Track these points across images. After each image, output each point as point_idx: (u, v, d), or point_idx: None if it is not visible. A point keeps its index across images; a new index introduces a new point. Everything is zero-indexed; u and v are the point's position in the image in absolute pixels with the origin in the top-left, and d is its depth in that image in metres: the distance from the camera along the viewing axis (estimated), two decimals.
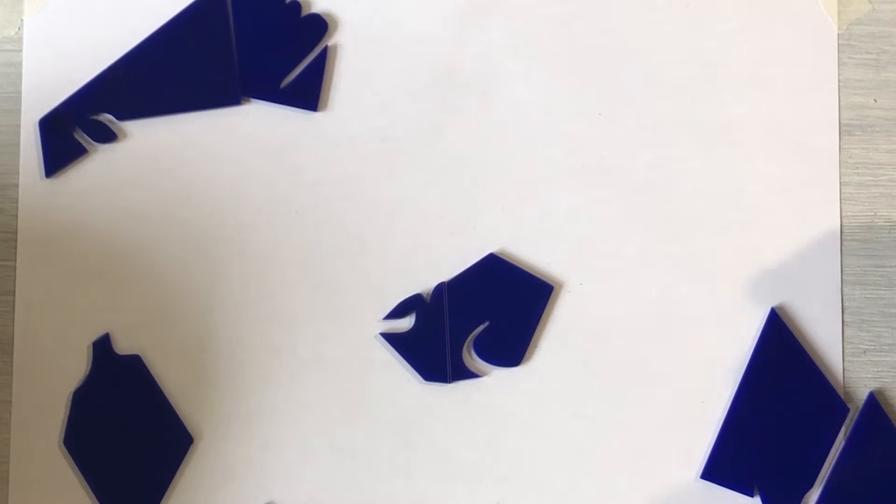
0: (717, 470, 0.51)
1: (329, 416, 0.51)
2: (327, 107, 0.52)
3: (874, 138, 0.53)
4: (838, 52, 0.53)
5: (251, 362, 0.51)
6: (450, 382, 0.51)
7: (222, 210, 0.52)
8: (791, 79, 0.53)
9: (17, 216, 0.51)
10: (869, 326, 0.53)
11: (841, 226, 0.53)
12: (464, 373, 0.51)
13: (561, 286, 0.52)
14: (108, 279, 0.51)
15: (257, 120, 0.52)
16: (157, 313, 0.51)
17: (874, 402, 0.52)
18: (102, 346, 0.51)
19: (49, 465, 0.50)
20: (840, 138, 0.53)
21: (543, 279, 0.52)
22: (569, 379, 0.52)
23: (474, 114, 0.53)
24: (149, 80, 0.52)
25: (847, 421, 0.52)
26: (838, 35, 0.54)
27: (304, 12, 0.53)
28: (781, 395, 0.51)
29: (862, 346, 0.52)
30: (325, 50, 0.52)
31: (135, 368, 0.51)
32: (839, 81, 0.53)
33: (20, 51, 0.52)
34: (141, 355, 0.51)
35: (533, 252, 0.52)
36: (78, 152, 0.51)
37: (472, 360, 0.52)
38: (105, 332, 0.51)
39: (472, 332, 0.51)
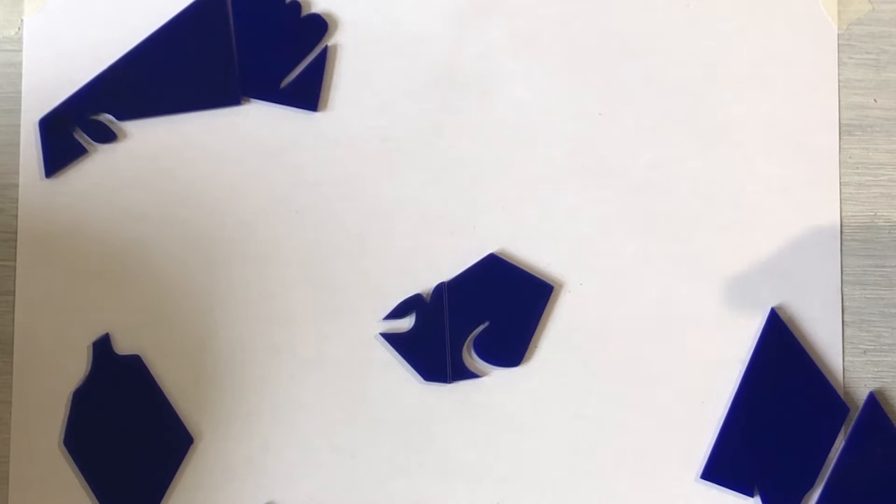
0: (717, 470, 0.51)
1: (329, 416, 0.51)
2: (327, 107, 0.52)
3: (874, 138, 0.53)
4: (838, 52, 0.53)
5: (251, 362, 0.51)
6: (450, 382, 0.51)
7: (222, 210, 0.52)
8: (791, 79, 0.53)
9: (17, 216, 0.51)
10: (869, 326, 0.53)
11: (841, 226, 0.53)
12: (464, 373, 0.51)
13: (561, 286, 0.52)
14: (108, 279, 0.51)
15: (257, 120, 0.52)
16: (157, 313, 0.51)
17: (874, 402, 0.52)
18: (102, 346, 0.51)
19: (49, 465, 0.50)
20: (840, 138, 0.53)
21: (543, 279, 0.52)
22: (569, 379, 0.52)
23: (474, 114, 0.53)
24: (149, 80, 0.52)
25: (847, 421, 0.52)
26: (838, 35, 0.54)
27: (304, 12, 0.53)
28: (781, 396, 0.51)
29: (862, 346, 0.52)
30: (325, 50, 0.52)
31: (135, 368, 0.51)
32: (839, 81, 0.53)
33: (20, 51, 0.52)
34: (141, 355, 0.51)
35: (533, 252, 0.52)
36: (78, 152, 0.51)
37: (472, 360, 0.52)
38: (105, 332, 0.51)
39: (472, 332, 0.51)
